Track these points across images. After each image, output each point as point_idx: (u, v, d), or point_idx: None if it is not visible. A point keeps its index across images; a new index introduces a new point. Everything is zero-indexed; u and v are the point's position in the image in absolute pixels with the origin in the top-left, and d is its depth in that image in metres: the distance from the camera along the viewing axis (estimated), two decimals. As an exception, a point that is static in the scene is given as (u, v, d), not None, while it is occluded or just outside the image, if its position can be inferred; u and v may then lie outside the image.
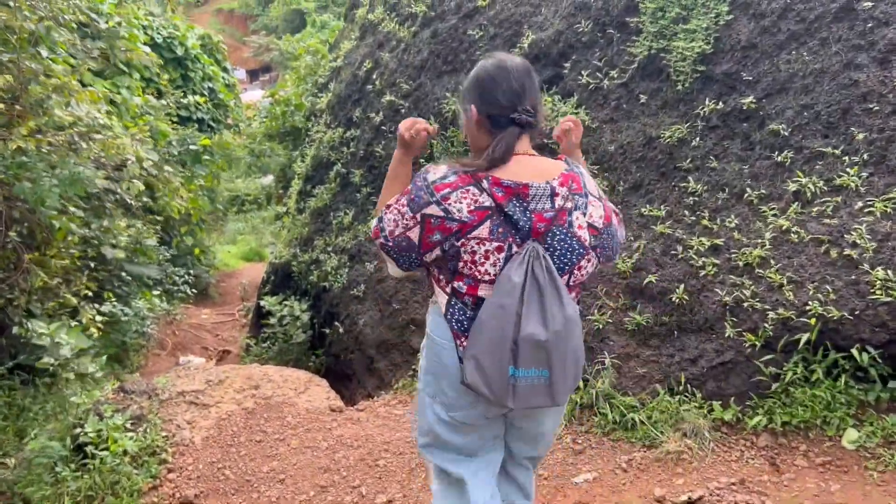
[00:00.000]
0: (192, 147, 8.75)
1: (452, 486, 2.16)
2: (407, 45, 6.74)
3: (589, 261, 1.96)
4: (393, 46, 6.97)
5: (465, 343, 1.92)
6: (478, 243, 1.83)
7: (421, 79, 6.38)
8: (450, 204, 1.83)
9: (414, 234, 1.89)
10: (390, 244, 1.94)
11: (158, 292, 9.24)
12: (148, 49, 8.89)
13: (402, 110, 6.38)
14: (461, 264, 1.87)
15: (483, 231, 1.82)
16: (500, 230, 1.83)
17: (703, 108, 4.38)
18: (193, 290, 10.67)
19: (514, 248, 1.84)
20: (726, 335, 3.72)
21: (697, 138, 4.35)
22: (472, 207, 1.82)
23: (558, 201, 1.87)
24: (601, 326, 4.18)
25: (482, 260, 1.85)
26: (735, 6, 4.45)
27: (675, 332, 3.96)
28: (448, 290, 1.95)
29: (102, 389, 5.16)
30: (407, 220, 1.89)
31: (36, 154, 4.60)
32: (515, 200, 1.83)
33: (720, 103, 4.33)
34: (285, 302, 6.90)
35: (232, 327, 10.77)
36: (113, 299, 7.22)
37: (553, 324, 1.82)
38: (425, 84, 6.30)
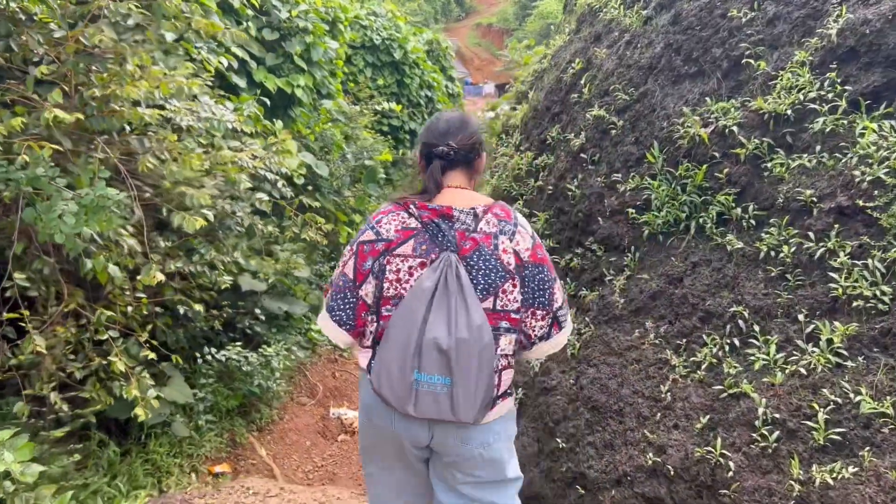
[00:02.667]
0: (367, 162, 7.26)
1: None
2: (633, 37, 4.56)
3: (514, 286, 1.88)
4: (614, 39, 4.82)
5: None
6: (402, 260, 1.86)
7: (647, 84, 4.17)
8: (381, 226, 1.92)
9: (349, 268, 1.93)
10: (331, 291, 1.95)
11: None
12: (335, 45, 7.60)
13: (614, 131, 4.22)
14: (387, 285, 1.87)
15: (407, 248, 1.87)
16: (424, 247, 1.87)
17: None
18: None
19: None
20: None
21: None
22: (399, 227, 1.91)
23: (482, 225, 1.90)
24: None
25: (406, 277, 1.87)
26: None
27: None
28: (370, 341, 1.93)
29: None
30: (345, 256, 1.97)
31: (45, 164, 3.21)
32: (440, 220, 1.89)
33: None
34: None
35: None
36: (238, 344, 5.91)
37: (457, 331, 1.77)
38: (653, 92, 4.08)
